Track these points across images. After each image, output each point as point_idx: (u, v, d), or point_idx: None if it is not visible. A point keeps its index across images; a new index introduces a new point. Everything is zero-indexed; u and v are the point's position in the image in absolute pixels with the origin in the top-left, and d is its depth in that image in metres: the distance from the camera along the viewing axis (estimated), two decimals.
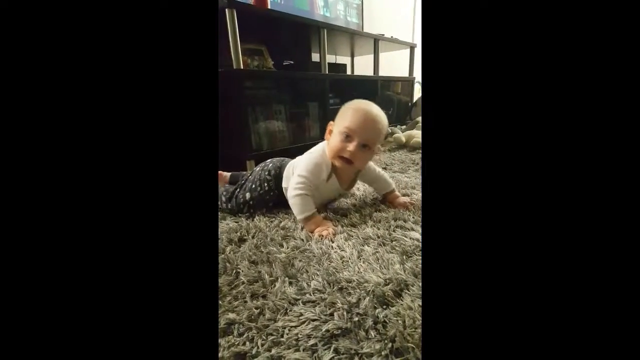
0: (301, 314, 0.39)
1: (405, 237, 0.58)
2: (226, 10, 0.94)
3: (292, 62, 1.81)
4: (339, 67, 2.09)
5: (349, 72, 2.23)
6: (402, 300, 0.40)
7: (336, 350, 0.33)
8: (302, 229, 0.64)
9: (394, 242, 0.57)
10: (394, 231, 0.61)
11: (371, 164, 0.76)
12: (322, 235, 0.60)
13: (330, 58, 1.81)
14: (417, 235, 0.58)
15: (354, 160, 0.65)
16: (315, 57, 1.78)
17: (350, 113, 0.64)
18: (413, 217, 0.67)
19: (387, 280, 0.44)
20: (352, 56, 2.24)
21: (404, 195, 0.82)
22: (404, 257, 0.51)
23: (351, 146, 0.63)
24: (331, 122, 0.69)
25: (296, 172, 0.67)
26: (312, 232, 0.62)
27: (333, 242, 0.57)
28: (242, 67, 1.02)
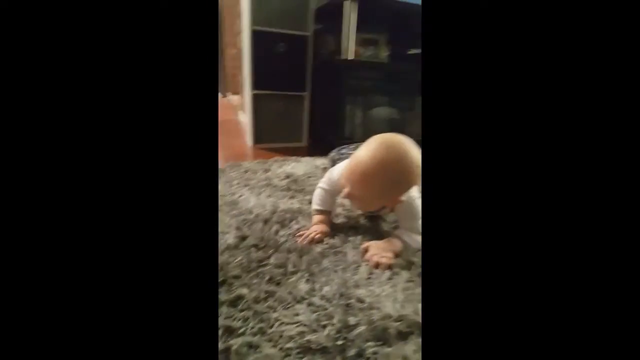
0: (298, 314, 0.40)
1: None
2: (344, 2, 0.94)
3: (419, 52, 1.69)
4: None
5: None
6: (403, 345, 0.36)
7: None
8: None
9: None
10: None
11: (412, 206, 0.58)
12: (303, 235, 0.59)
13: None
14: None
15: None
16: None
17: (349, 171, 0.54)
18: None
19: (400, 317, 0.40)
20: None
21: None
22: None
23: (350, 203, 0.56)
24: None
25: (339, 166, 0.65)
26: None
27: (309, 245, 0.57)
28: (350, 58, 1.02)
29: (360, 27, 1.00)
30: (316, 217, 0.64)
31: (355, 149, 0.58)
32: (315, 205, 0.66)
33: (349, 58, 1.03)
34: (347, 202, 0.72)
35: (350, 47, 1.00)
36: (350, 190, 0.54)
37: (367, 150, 0.53)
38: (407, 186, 0.54)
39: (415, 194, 0.60)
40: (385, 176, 0.51)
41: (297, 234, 0.60)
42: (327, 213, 0.65)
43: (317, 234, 0.59)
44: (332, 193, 0.65)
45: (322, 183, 0.66)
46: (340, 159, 0.79)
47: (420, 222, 0.59)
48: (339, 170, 0.62)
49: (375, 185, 0.52)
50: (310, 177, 0.97)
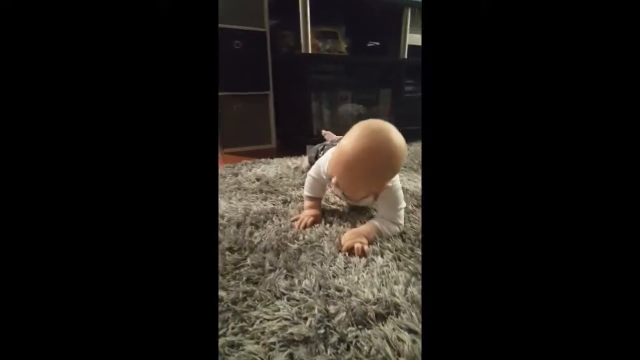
0: (278, 310, 0.40)
1: None
2: None
3: (377, 44, 1.72)
4: None
5: None
6: (383, 326, 0.38)
7: (290, 356, 0.34)
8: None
9: (411, 259, 0.52)
10: (418, 247, 0.56)
11: (394, 194, 0.60)
12: (297, 220, 0.64)
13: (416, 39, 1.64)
14: None
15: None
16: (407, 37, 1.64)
17: (334, 161, 0.56)
18: None
19: (377, 300, 0.42)
20: None
21: None
22: (414, 278, 0.47)
23: (338, 192, 0.60)
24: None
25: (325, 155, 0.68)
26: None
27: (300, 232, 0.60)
28: (310, 52, 1.03)
29: (316, 20, 1.01)
30: (307, 203, 0.69)
31: (338, 140, 0.60)
32: (306, 192, 0.70)
33: (309, 52, 1.04)
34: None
35: (308, 41, 1.01)
36: (336, 179, 0.56)
37: (349, 139, 0.53)
38: (392, 172, 0.55)
39: (398, 183, 0.61)
40: (369, 164, 0.52)
41: (292, 220, 0.65)
42: (317, 199, 0.70)
43: (309, 218, 0.64)
44: (320, 182, 0.68)
45: (312, 172, 0.69)
46: (324, 151, 0.82)
47: (399, 212, 0.61)
48: (325, 161, 0.64)
49: (359, 174, 0.54)
50: (282, 177, 0.96)
